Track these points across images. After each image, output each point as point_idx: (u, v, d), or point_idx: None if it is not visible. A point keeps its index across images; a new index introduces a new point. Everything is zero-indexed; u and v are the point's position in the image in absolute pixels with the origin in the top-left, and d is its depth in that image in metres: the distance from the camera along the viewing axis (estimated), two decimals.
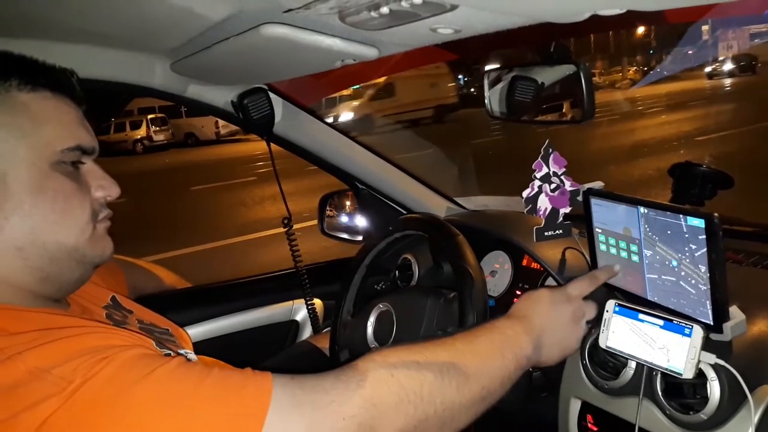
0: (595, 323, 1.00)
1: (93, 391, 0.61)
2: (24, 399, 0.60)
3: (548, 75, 1.21)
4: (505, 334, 0.91)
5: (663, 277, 0.92)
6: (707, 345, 0.85)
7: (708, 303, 0.85)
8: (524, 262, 1.39)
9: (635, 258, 0.96)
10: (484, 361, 0.86)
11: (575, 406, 1.08)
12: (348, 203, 1.96)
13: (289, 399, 0.68)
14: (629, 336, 0.94)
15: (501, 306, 1.39)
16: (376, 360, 0.77)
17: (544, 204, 1.11)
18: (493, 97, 1.31)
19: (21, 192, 0.76)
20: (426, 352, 0.81)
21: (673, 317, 0.89)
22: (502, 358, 0.88)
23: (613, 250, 1.01)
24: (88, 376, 0.62)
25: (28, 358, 0.63)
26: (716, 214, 0.81)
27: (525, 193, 1.11)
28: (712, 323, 0.86)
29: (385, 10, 0.73)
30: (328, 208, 1.98)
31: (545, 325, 0.96)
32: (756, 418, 0.81)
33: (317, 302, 1.75)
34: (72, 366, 0.63)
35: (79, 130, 0.83)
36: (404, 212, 1.79)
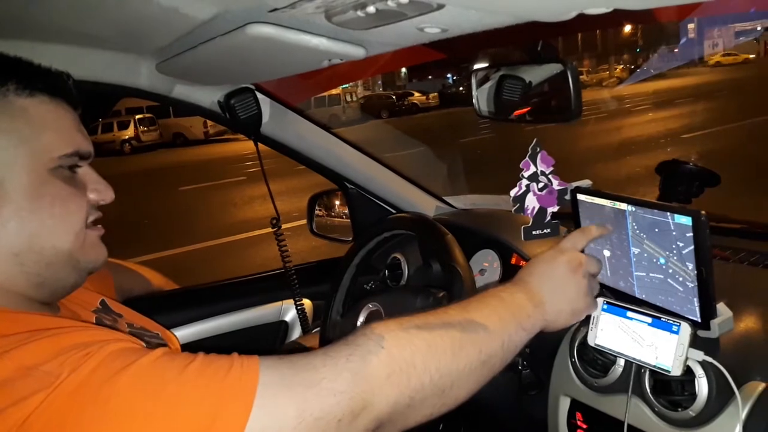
0: (584, 321, 1.01)
1: (77, 381, 0.61)
2: (11, 395, 0.60)
3: (536, 74, 1.21)
4: (499, 296, 0.89)
5: (651, 274, 0.92)
6: (695, 342, 0.85)
7: (695, 300, 0.86)
8: (513, 261, 1.39)
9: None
10: (479, 324, 0.83)
11: (564, 403, 1.08)
12: (337, 203, 1.96)
13: (278, 379, 0.67)
14: (618, 334, 0.94)
15: None
16: (366, 334, 0.75)
17: (532, 203, 1.11)
18: (481, 96, 1.31)
19: (19, 198, 0.76)
20: (417, 322, 0.80)
21: (661, 315, 0.89)
22: (499, 320, 0.85)
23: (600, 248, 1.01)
24: (73, 369, 0.62)
25: (15, 356, 0.63)
26: (703, 212, 0.82)
27: (513, 192, 1.11)
28: (699, 320, 0.86)
29: (371, 9, 0.72)
30: (317, 207, 1.98)
31: (542, 282, 0.93)
32: (743, 414, 0.81)
33: (306, 302, 1.74)
34: (59, 361, 0.62)
35: (77, 135, 0.83)
36: (393, 211, 1.79)
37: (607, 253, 1.00)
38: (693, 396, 0.86)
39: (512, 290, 0.91)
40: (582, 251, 1.03)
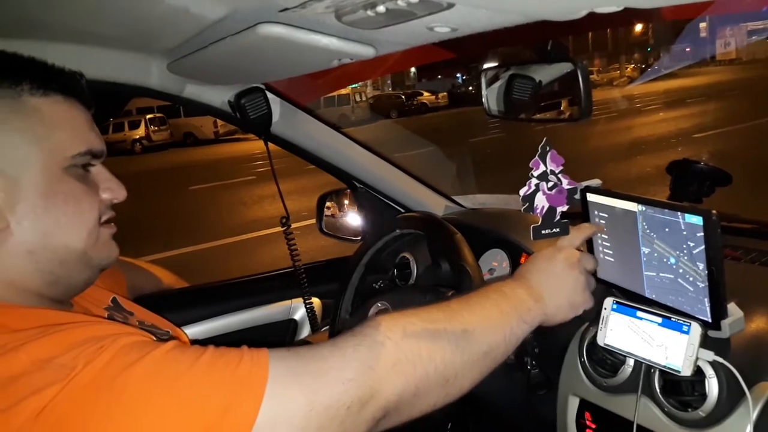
0: (594, 321, 1.00)
1: (92, 374, 0.62)
2: (26, 388, 0.61)
3: (546, 73, 1.21)
4: (501, 291, 0.91)
5: (661, 274, 0.92)
6: (705, 342, 0.85)
7: (706, 300, 0.85)
8: (522, 260, 1.39)
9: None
10: (481, 317, 0.85)
11: (573, 403, 1.08)
12: (346, 202, 1.96)
13: (287, 370, 0.68)
14: (627, 333, 0.94)
15: None
16: (372, 325, 0.77)
17: (541, 202, 1.11)
18: (490, 96, 1.31)
19: (33, 196, 0.77)
20: (422, 314, 0.82)
21: (671, 315, 0.89)
22: (500, 313, 0.87)
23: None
24: (88, 362, 0.63)
25: (30, 349, 0.64)
26: (714, 211, 0.81)
27: (522, 192, 1.11)
28: (710, 320, 0.86)
29: (381, 8, 0.73)
30: (326, 207, 1.98)
31: (541, 278, 0.95)
32: (754, 415, 0.81)
33: (315, 301, 1.75)
34: (73, 354, 0.63)
35: (90, 134, 0.84)
36: (402, 211, 1.79)
37: (615, 252, 1.00)
38: (703, 396, 0.86)
39: (513, 285, 0.94)
40: (591, 249, 1.03)
